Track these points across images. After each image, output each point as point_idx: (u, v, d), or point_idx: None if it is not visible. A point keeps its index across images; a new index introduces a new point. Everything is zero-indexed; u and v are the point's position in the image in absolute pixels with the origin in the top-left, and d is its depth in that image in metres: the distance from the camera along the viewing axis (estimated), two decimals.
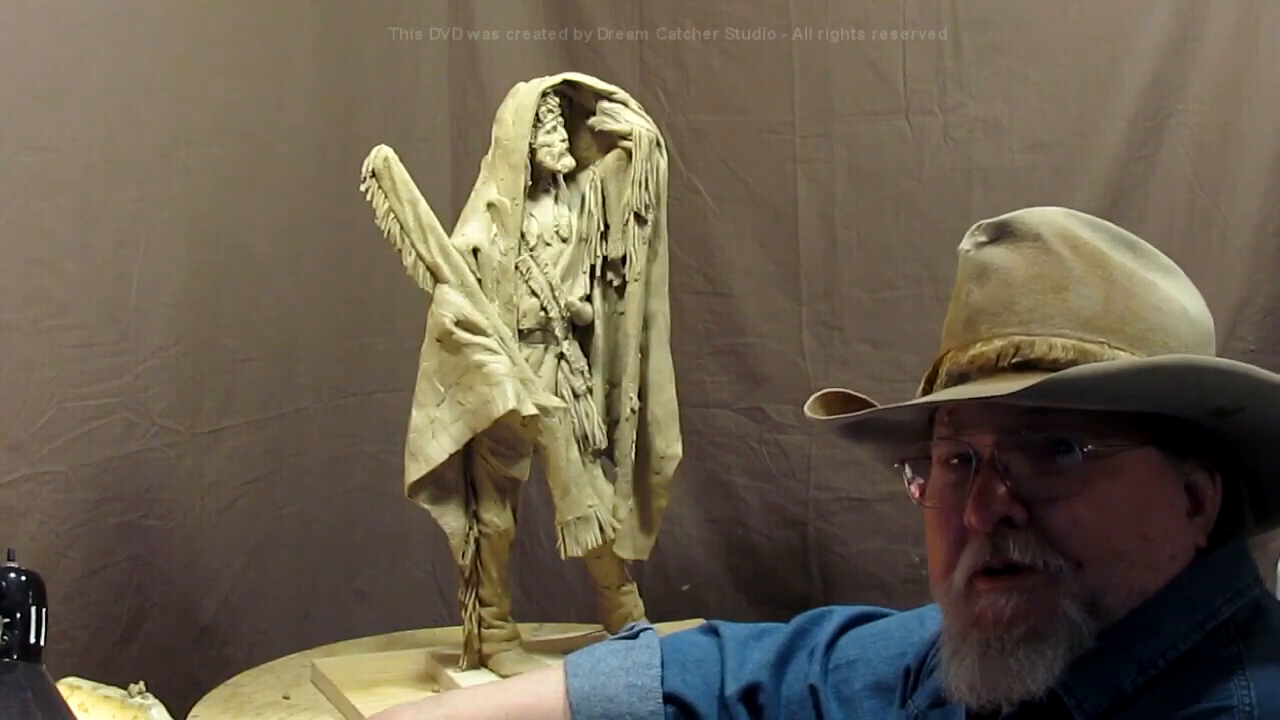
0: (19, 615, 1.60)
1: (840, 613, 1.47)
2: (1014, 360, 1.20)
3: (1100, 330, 1.19)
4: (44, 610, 1.62)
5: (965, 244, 1.27)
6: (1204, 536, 1.21)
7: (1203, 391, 1.16)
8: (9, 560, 1.64)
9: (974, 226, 1.26)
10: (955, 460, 1.22)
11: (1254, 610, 1.19)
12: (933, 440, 1.24)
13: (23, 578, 1.63)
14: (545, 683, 1.46)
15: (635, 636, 1.50)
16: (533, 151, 2.27)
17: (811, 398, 1.35)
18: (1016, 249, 1.23)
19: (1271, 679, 1.13)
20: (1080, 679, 1.16)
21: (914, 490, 1.26)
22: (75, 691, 1.81)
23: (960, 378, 1.23)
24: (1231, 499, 1.23)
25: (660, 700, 1.43)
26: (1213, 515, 1.22)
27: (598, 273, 2.33)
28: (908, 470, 1.26)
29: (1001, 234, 1.25)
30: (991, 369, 1.21)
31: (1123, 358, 1.18)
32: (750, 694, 1.43)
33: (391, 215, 2.19)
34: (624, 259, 2.30)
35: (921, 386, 1.28)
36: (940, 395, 1.23)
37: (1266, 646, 1.16)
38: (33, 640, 1.61)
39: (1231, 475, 1.23)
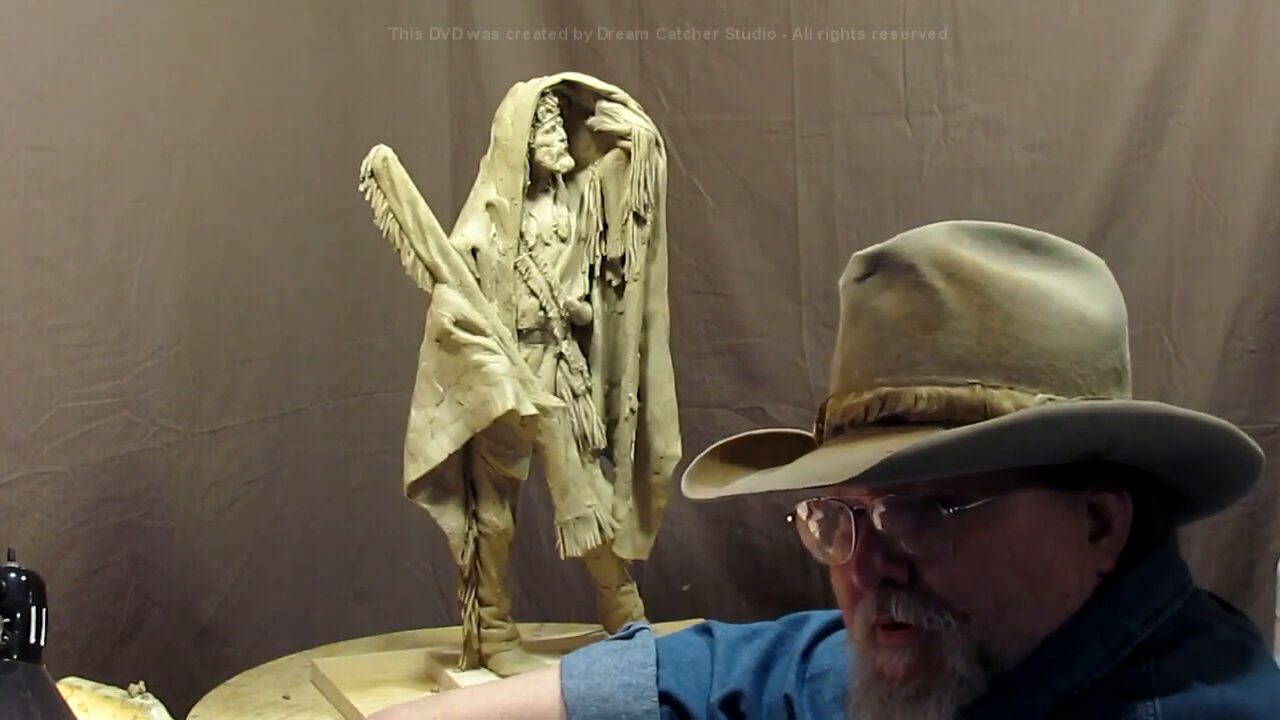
0: (19, 615, 1.60)
1: (818, 618, 1.45)
2: (880, 415, 1.15)
3: (972, 369, 1.13)
4: (44, 610, 1.63)
5: (843, 277, 1.21)
6: (1111, 559, 1.16)
7: (1065, 440, 1.11)
8: (9, 560, 1.64)
9: (853, 257, 1.20)
10: (843, 513, 1.17)
11: (1179, 627, 1.14)
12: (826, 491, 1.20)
13: (23, 578, 1.63)
14: (541, 683, 1.45)
15: (631, 636, 1.49)
16: (531, 151, 2.27)
17: (694, 462, 1.32)
18: (890, 284, 1.17)
19: (1179, 698, 1.09)
20: (989, 716, 1.13)
21: (809, 543, 1.22)
22: (75, 691, 1.81)
23: (836, 430, 1.19)
24: (1143, 512, 1.17)
25: (655, 700, 1.42)
26: (1123, 534, 1.16)
27: (597, 273, 2.33)
28: (802, 522, 1.21)
29: (876, 267, 1.18)
30: (861, 423, 1.16)
31: (997, 398, 1.12)
32: (732, 702, 1.42)
33: (390, 215, 2.19)
34: (623, 259, 2.30)
35: (815, 428, 1.23)
36: (781, 479, 1.18)
37: (1177, 664, 1.11)
38: (33, 640, 1.61)
39: (1140, 488, 1.17)
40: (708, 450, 1.34)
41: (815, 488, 1.18)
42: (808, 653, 1.42)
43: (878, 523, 1.15)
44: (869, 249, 1.19)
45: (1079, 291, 1.17)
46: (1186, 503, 1.22)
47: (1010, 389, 1.13)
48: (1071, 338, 1.15)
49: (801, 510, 1.21)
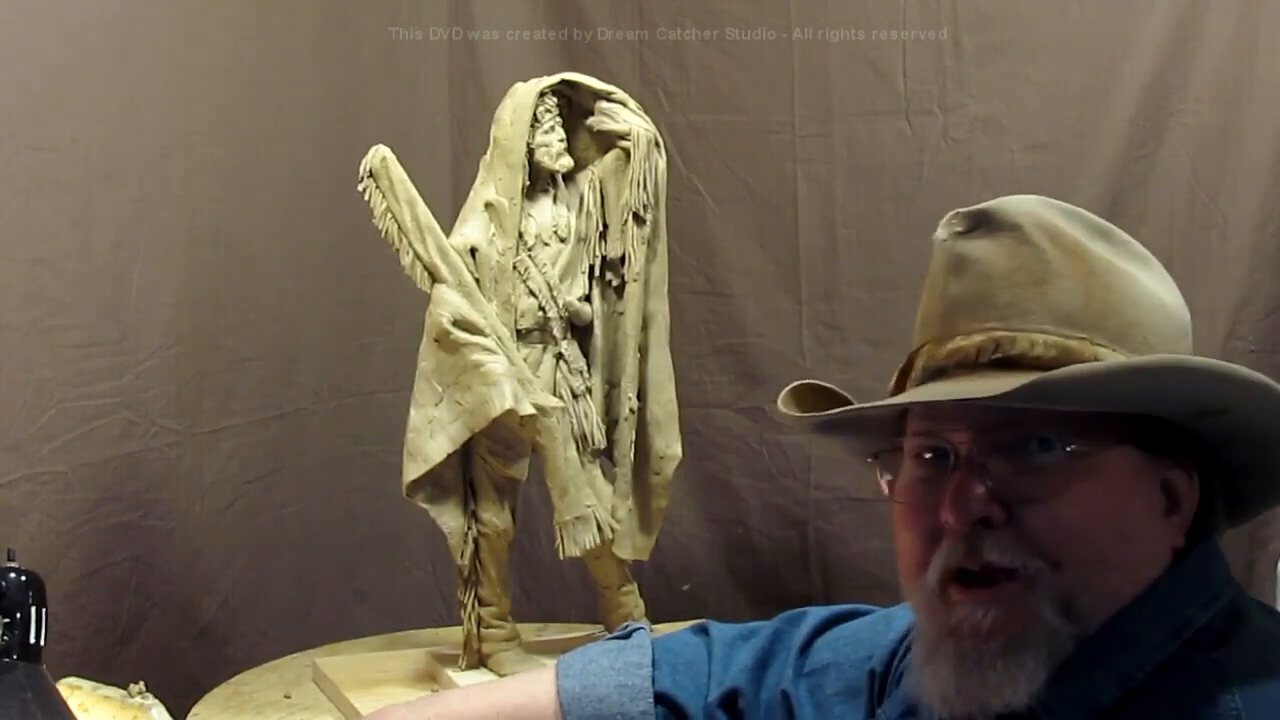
0: (19, 615, 1.60)
1: (815, 614, 1.44)
2: (994, 356, 1.16)
3: (1082, 326, 1.16)
4: (44, 610, 1.62)
5: (941, 233, 1.22)
6: (1180, 536, 1.18)
7: (1189, 393, 1.13)
8: (9, 560, 1.64)
9: (950, 215, 1.22)
10: (930, 456, 1.18)
11: (1229, 615, 1.16)
12: (906, 435, 1.21)
13: (23, 578, 1.63)
14: (537, 683, 1.45)
15: (628, 636, 1.49)
16: (531, 151, 2.27)
17: (783, 392, 1.32)
18: (994, 240, 1.19)
19: (1256, 689, 1.10)
20: (1059, 695, 1.13)
21: (885, 486, 1.22)
22: (75, 691, 1.81)
23: (937, 373, 1.19)
24: (1206, 497, 1.20)
25: (651, 700, 1.42)
26: (1189, 514, 1.19)
27: (596, 273, 2.33)
28: (880, 465, 1.23)
29: (979, 224, 1.20)
30: (970, 365, 1.17)
31: (1106, 355, 1.15)
32: (730, 700, 1.41)
33: (389, 215, 2.19)
34: (623, 259, 2.30)
35: (895, 380, 1.25)
36: (920, 395, 1.19)
37: (1248, 653, 1.13)
38: (33, 640, 1.61)
39: (1207, 473, 1.20)
40: (793, 385, 1.33)
41: (929, 414, 1.18)
42: (805, 648, 1.41)
43: (983, 459, 1.15)
44: (967, 209, 1.21)
45: (1154, 283, 1.20)
46: (1242, 500, 1.24)
47: (1114, 350, 1.15)
48: (1157, 319, 1.18)
49: (893, 452, 1.21)
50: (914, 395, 1.20)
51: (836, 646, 1.40)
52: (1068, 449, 1.14)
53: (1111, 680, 1.13)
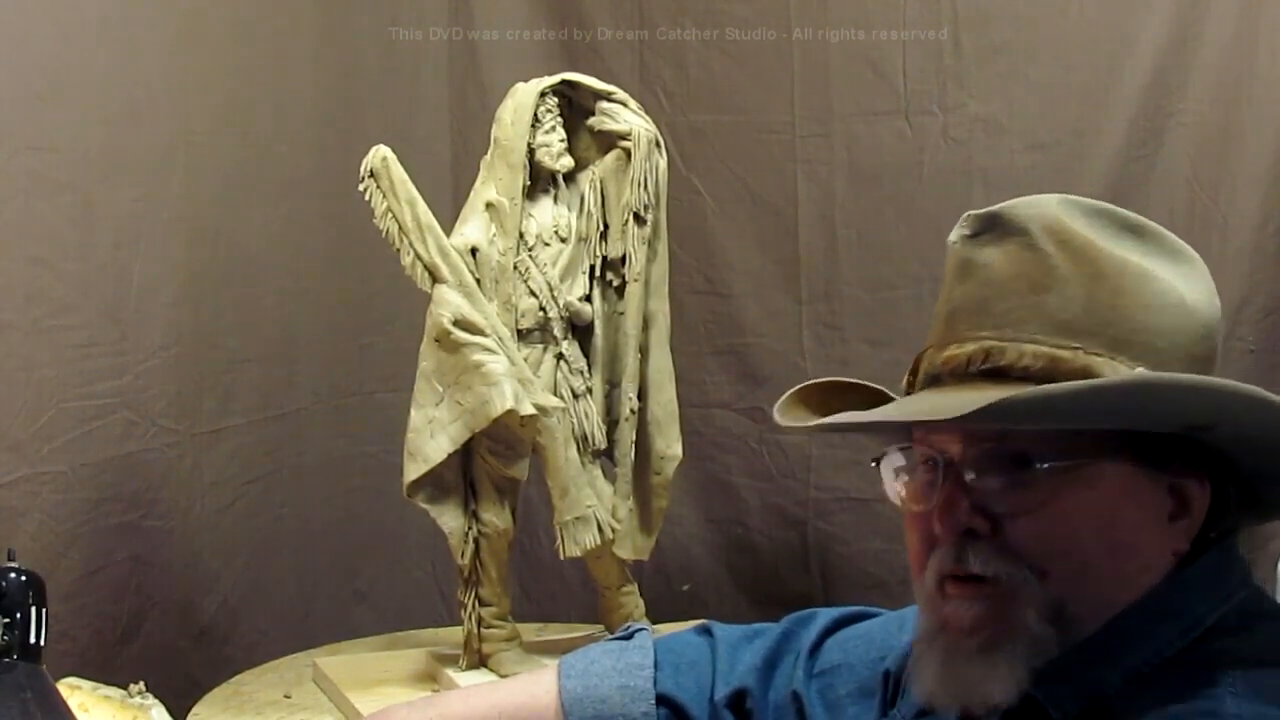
0: (19, 615, 1.60)
1: (825, 615, 1.45)
2: (983, 367, 1.17)
3: (1078, 334, 1.15)
4: (44, 610, 1.62)
5: (953, 234, 1.22)
6: (1186, 541, 1.18)
7: (1166, 410, 1.13)
8: (9, 560, 1.64)
9: (964, 215, 1.22)
10: (928, 464, 1.19)
11: (1240, 614, 1.16)
12: (911, 438, 1.22)
13: (23, 578, 1.63)
14: (539, 683, 1.45)
15: (630, 637, 1.49)
16: (531, 151, 2.27)
17: (785, 395, 1.33)
18: (1001, 244, 1.19)
19: (1256, 681, 1.10)
20: (1063, 688, 1.14)
21: (890, 489, 1.23)
22: (75, 691, 1.81)
23: (933, 380, 1.20)
24: (1220, 500, 1.19)
25: (653, 702, 1.42)
26: (1199, 519, 1.18)
27: (597, 273, 2.33)
28: (884, 467, 1.23)
29: (988, 227, 1.20)
30: (962, 374, 1.18)
31: (1099, 365, 1.14)
32: (738, 699, 1.42)
33: (390, 215, 2.19)
34: (623, 259, 2.30)
35: (905, 379, 1.25)
36: (886, 412, 1.21)
37: (1250, 643, 1.14)
38: (33, 640, 1.61)
39: (1220, 477, 1.19)
40: (796, 388, 1.34)
41: (896, 432, 1.19)
42: (815, 649, 1.42)
43: (969, 472, 1.16)
44: (981, 210, 1.21)
45: (1180, 279, 1.19)
46: (1262, 501, 1.23)
47: (1111, 358, 1.15)
48: (1171, 320, 1.17)
49: (893, 457, 1.22)
50: (878, 413, 1.21)
51: (848, 647, 1.40)
52: (1046, 466, 1.14)
53: (1115, 673, 1.14)
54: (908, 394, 1.25)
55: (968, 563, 1.15)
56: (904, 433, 1.22)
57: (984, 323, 1.18)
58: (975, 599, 1.15)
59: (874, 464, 1.24)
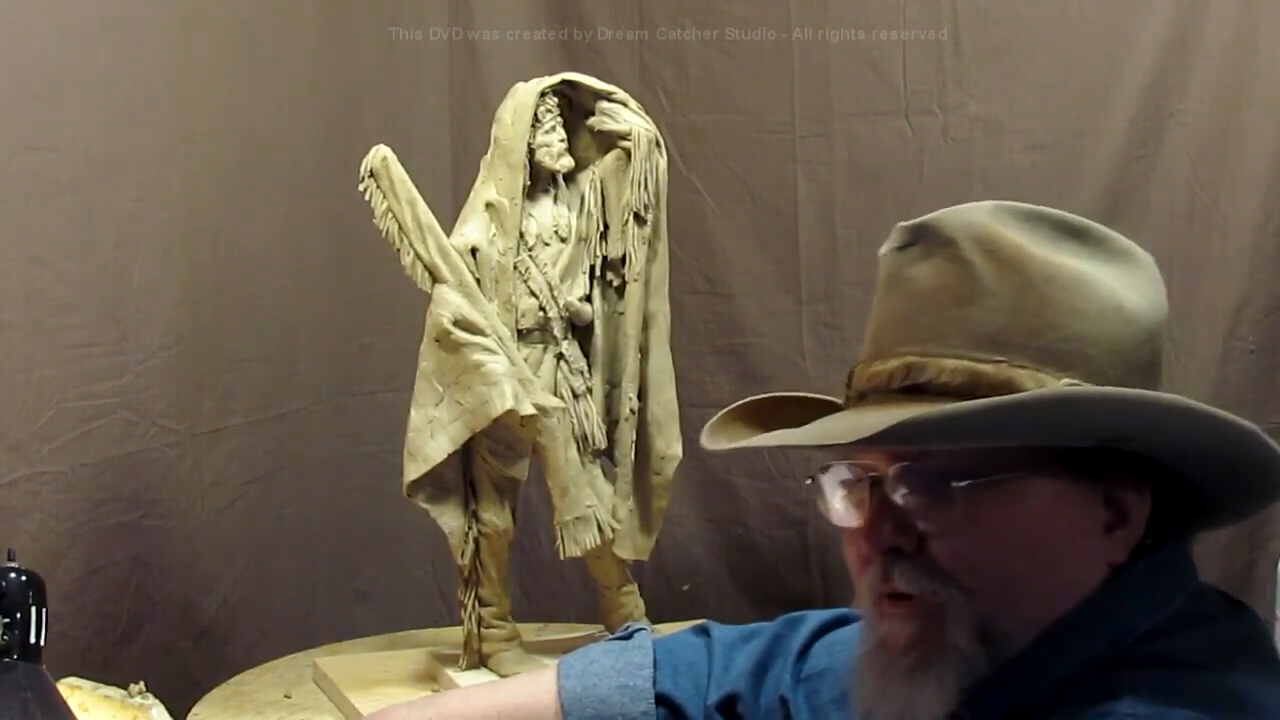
0: (19, 615, 1.60)
1: (814, 618, 1.44)
2: (904, 383, 1.15)
3: (1002, 346, 1.13)
4: (44, 610, 1.62)
5: (884, 247, 1.20)
6: (1124, 551, 1.15)
7: (1080, 424, 1.10)
8: (9, 560, 1.64)
9: (895, 227, 1.20)
10: (859, 481, 1.17)
11: (1176, 619, 1.14)
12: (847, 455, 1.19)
13: (23, 578, 1.63)
14: (538, 683, 1.45)
15: (629, 637, 1.49)
16: (531, 151, 2.27)
17: (719, 415, 1.32)
18: (928, 256, 1.16)
19: (1161, 681, 1.08)
20: (987, 703, 1.13)
21: (825, 506, 1.21)
22: (75, 691, 1.81)
23: (860, 396, 1.19)
24: (1161, 508, 1.16)
25: (652, 701, 1.41)
26: (1139, 528, 1.15)
27: (597, 273, 2.33)
28: (822, 485, 1.21)
29: (916, 239, 1.18)
30: (885, 390, 1.16)
31: (1022, 378, 1.11)
32: (729, 704, 1.41)
33: (390, 215, 2.19)
34: (623, 259, 2.30)
35: (843, 395, 1.23)
36: (799, 435, 1.19)
37: (1172, 651, 1.11)
38: (33, 640, 1.61)
39: (1161, 485, 1.16)
40: (732, 406, 1.34)
41: (830, 448, 1.18)
42: (803, 653, 1.41)
43: (890, 491, 1.15)
44: (911, 221, 1.19)
45: (1120, 283, 1.16)
46: (1210, 506, 1.21)
47: (1036, 370, 1.12)
48: (1107, 327, 1.14)
49: (826, 474, 1.20)
50: (783, 436, 1.20)
51: (833, 652, 1.39)
52: (964, 485, 1.12)
53: (1044, 684, 1.12)
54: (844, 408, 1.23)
55: (894, 580, 1.14)
56: (839, 450, 1.19)
57: (908, 337, 1.16)
58: (909, 618, 1.14)
59: (809, 482, 1.22)
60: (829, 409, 1.26)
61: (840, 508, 1.19)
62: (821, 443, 1.16)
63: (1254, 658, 1.14)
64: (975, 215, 1.17)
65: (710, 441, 1.30)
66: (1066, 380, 1.12)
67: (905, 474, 1.14)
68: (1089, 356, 1.13)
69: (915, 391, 1.14)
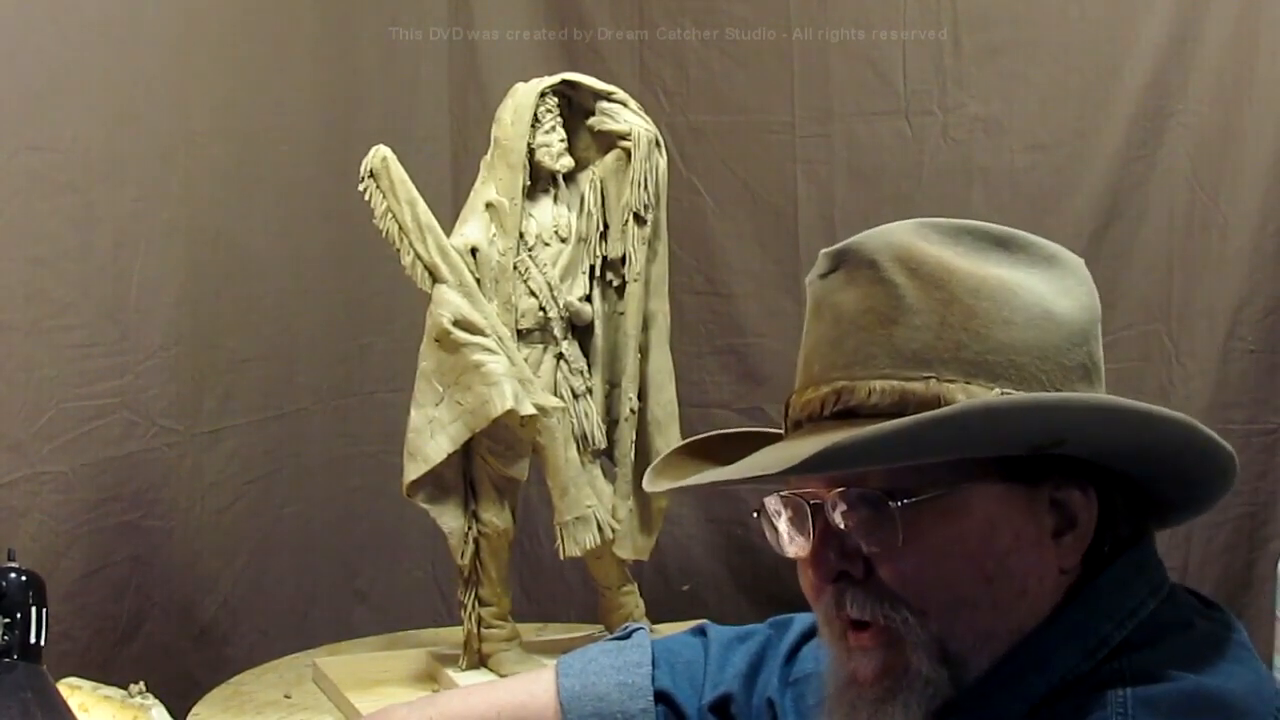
0: (19, 615, 1.60)
1: (801, 620, 1.42)
2: (836, 409, 1.14)
3: (928, 364, 1.12)
4: (44, 610, 1.62)
5: (810, 274, 1.20)
6: (1076, 556, 1.14)
7: (1005, 433, 1.09)
8: (9, 560, 1.64)
9: (820, 252, 1.19)
10: (801, 509, 1.16)
11: (1150, 627, 1.13)
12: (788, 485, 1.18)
13: (23, 578, 1.63)
14: (537, 682, 1.45)
15: (628, 637, 1.49)
16: (531, 151, 2.27)
17: (662, 456, 1.32)
18: (851, 280, 1.16)
19: (1151, 685, 1.07)
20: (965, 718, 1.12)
21: (771, 537, 1.19)
22: (75, 691, 1.81)
23: (796, 425, 1.18)
24: (1108, 509, 1.15)
25: (651, 699, 1.42)
26: (1088, 531, 1.14)
27: (597, 273, 2.33)
28: (768, 516, 1.19)
29: (838, 264, 1.17)
30: (818, 418, 1.15)
31: (951, 392, 1.10)
32: (722, 704, 1.41)
33: (389, 215, 2.19)
34: (623, 259, 2.30)
35: (783, 425, 1.22)
36: (729, 471, 1.18)
37: (1150, 657, 1.10)
38: (33, 640, 1.61)
39: (1107, 485, 1.15)
40: (676, 446, 1.34)
41: (771, 480, 1.16)
42: (791, 656, 1.41)
43: (836, 516, 1.14)
44: (833, 247, 1.19)
45: (1048, 288, 1.16)
46: (1163, 503, 1.21)
47: (966, 383, 1.12)
48: (1035, 334, 1.13)
49: (769, 504, 1.19)
50: (733, 470, 1.18)
51: (820, 655, 1.37)
52: (901, 503, 1.11)
53: (1020, 702, 1.11)
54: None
55: (847, 607, 1.14)
56: (780, 480, 1.18)
57: (837, 362, 1.15)
58: (873, 648, 1.13)
59: (755, 514, 1.21)
60: (773, 441, 1.25)
61: (786, 538, 1.18)
62: (750, 475, 1.15)
63: (1232, 661, 1.13)
64: (896, 235, 1.17)
65: (651, 484, 1.30)
66: (998, 390, 1.12)
67: (844, 498, 1.13)
68: (1019, 365, 1.13)
69: (848, 415, 1.14)
